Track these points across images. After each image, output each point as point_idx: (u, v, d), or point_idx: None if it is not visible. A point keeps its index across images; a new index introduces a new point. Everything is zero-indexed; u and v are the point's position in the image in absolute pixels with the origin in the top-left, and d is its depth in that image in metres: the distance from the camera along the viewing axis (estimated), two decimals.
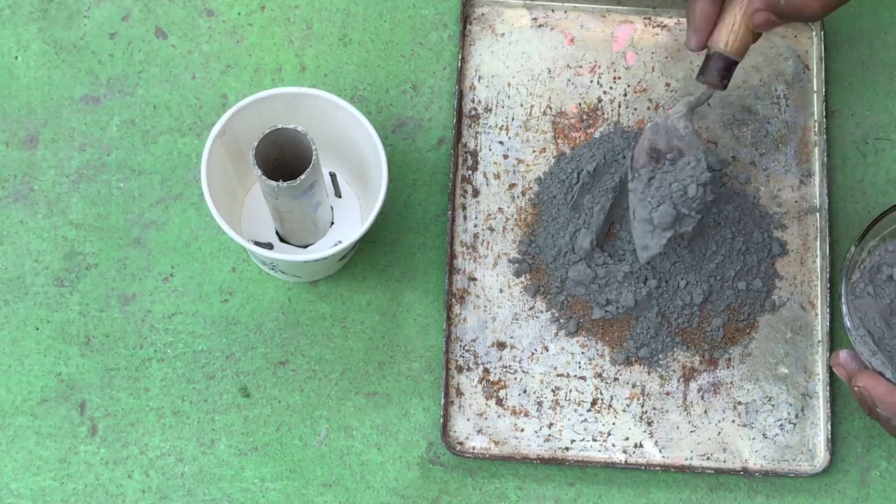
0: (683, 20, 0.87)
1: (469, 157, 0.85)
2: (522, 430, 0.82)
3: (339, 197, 0.83)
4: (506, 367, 0.83)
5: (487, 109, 0.86)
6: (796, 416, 0.83)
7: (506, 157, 0.86)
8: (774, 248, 0.84)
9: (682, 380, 0.83)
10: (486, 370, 0.83)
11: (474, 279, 0.84)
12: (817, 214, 0.85)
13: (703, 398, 0.83)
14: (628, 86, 0.87)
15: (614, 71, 0.87)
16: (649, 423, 0.83)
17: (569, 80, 0.87)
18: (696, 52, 0.77)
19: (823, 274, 0.84)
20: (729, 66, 0.77)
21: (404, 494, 0.82)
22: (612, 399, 0.83)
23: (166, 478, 0.82)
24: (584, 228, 0.82)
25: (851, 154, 0.87)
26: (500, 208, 0.85)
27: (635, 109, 0.87)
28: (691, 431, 0.83)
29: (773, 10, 0.74)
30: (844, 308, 0.77)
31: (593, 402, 0.83)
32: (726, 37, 0.76)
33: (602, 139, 0.85)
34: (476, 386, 0.83)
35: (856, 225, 0.86)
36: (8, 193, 0.85)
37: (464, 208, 0.85)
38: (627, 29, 0.88)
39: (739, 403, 0.83)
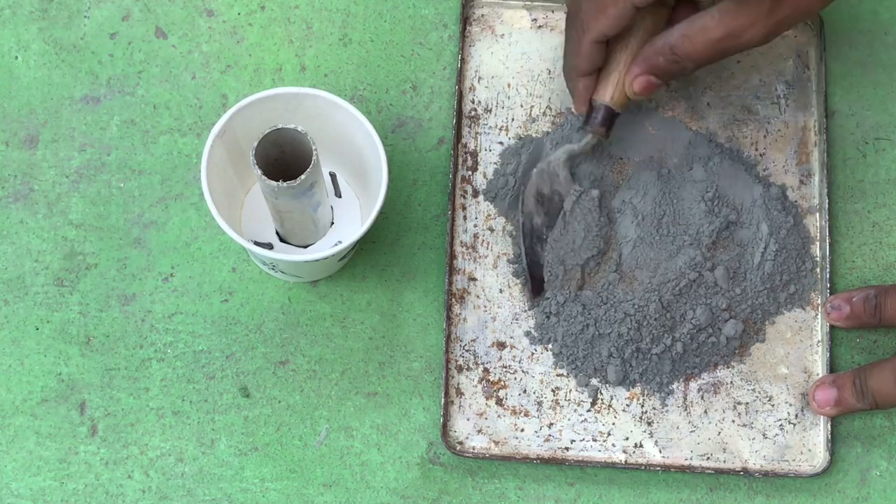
0: None
1: (469, 157, 0.85)
2: (522, 430, 0.82)
3: (339, 197, 0.83)
4: (506, 367, 0.83)
5: (487, 110, 0.86)
6: (796, 416, 0.83)
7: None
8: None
9: (682, 380, 0.83)
10: (486, 370, 0.83)
11: (474, 279, 0.84)
12: (817, 214, 0.85)
13: (703, 398, 0.83)
14: None
15: None
16: (649, 423, 0.83)
17: None
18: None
19: (823, 274, 0.84)
20: (613, 116, 0.80)
21: (404, 494, 0.82)
22: (612, 399, 0.83)
23: (166, 478, 0.82)
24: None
25: (851, 154, 0.87)
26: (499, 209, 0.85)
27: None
28: (691, 431, 0.83)
29: (654, 72, 0.77)
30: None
31: (593, 402, 0.83)
32: (611, 92, 0.79)
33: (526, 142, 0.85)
34: (476, 386, 0.83)
35: (856, 225, 0.86)
36: (8, 193, 0.85)
37: (464, 208, 0.85)
38: None
39: (739, 403, 0.83)
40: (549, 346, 0.83)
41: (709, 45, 0.75)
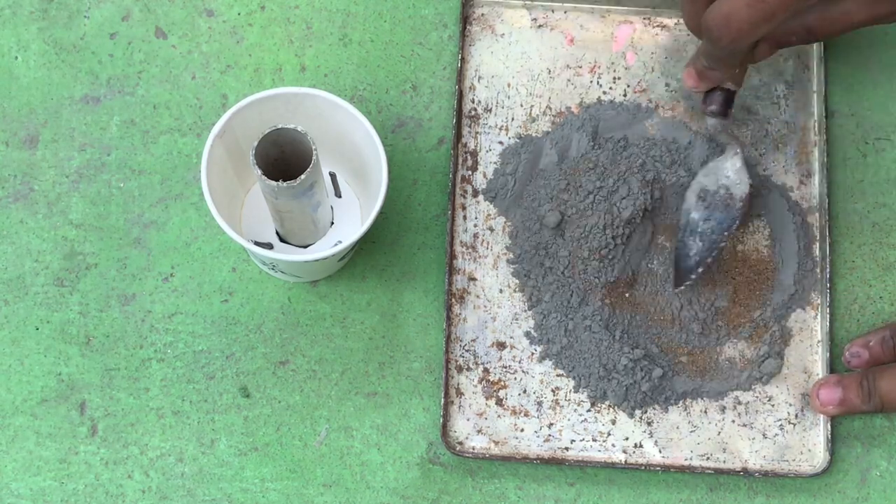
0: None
1: (469, 157, 0.85)
2: (522, 430, 0.82)
3: (339, 197, 0.83)
4: (506, 367, 0.83)
5: (487, 109, 0.86)
6: (796, 416, 0.83)
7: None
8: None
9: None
10: (486, 370, 0.83)
11: (474, 279, 0.84)
12: (817, 214, 0.85)
13: (702, 398, 0.83)
14: (628, 86, 0.87)
15: (614, 71, 0.87)
16: (649, 423, 0.83)
17: (569, 80, 0.87)
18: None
19: (823, 274, 0.84)
20: (732, 97, 0.80)
21: (404, 494, 0.82)
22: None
23: (166, 478, 0.82)
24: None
25: (851, 154, 0.87)
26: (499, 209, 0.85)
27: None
28: (691, 431, 0.83)
29: (781, 45, 0.77)
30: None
31: (593, 403, 0.83)
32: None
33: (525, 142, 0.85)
34: (476, 386, 0.83)
35: (856, 225, 0.86)
36: (8, 193, 0.85)
37: (464, 208, 0.85)
38: (627, 29, 0.88)
39: (739, 403, 0.83)
40: (546, 347, 0.83)
41: (847, 28, 0.75)
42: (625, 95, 0.87)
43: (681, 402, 0.83)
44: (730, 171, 0.81)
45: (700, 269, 0.82)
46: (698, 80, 0.79)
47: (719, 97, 0.80)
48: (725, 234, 0.81)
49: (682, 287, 0.82)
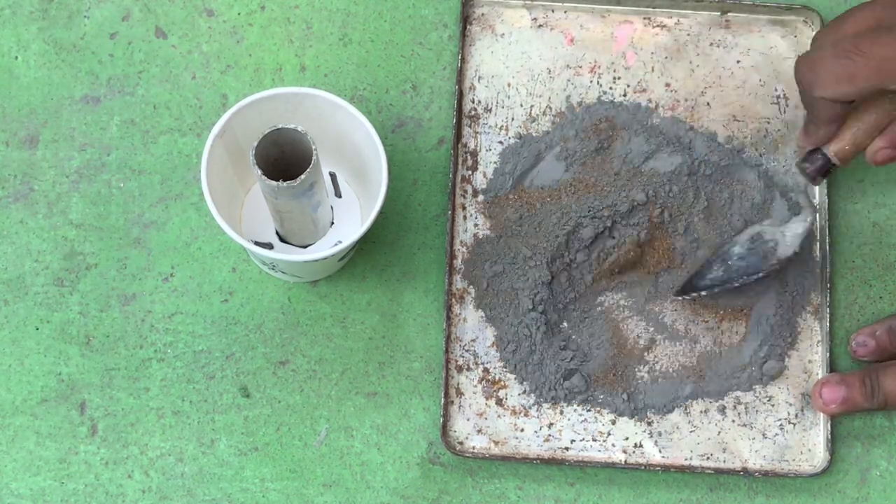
0: (684, 20, 0.87)
1: (469, 157, 0.85)
2: (522, 430, 0.82)
3: (339, 197, 0.83)
4: (506, 367, 0.83)
5: (487, 109, 0.86)
6: (796, 416, 0.83)
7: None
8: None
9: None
10: (486, 370, 0.83)
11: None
12: (817, 215, 0.85)
13: (702, 398, 0.83)
14: (628, 86, 0.87)
15: (614, 71, 0.87)
16: (649, 423, 0.83)
17: (569, 80, 0.87)
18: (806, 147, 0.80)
19: (823, 274, 0.84)
20: (830, 168, 0.80)
21: (404, 494, 0.82)
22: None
23: (166, 478, 0.82)
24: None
25: None
26: None
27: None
28: (691, 431, 0.83)
29: None
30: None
31: (593, 402, 0.83)
32: (840, 147, 0.78)
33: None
34: (476, 386, 0.83)
35: (856, 225, 0.86)
36: (8, 193, 0.85)
37: (464, 208, 0.85)
38: (627, 29, 0.88)
39: (739, 403, 0.83)
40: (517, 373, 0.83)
41: None
42: (625, 95, 0.87)
43: (681, 402, 0.83)
44: (789, 232, 0.81)
45: (704, 293, 0.82)
46: (804, 135, 0.79)
47: (818, 161, 0.79)
48: (745, 278, 0.81)
49: (680, 298, 0.83)
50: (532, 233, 0.83)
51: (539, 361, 0.82)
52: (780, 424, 0.83)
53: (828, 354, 0.83)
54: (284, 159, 0.75)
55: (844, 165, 0.79)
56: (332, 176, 0.83)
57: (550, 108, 0.86)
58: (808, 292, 0.84)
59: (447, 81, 0.87)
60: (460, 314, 0.83)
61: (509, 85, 0.87)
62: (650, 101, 0.86)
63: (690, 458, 0.82)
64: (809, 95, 0.75)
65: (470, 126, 0.86)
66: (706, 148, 0.85)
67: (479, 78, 0.87)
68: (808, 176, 0.80)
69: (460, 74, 0.86)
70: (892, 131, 0.77)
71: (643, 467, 0.82)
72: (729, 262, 0.82)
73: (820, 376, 0.83)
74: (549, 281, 0.81)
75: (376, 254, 0.85)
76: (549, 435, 0.82)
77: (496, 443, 0.82)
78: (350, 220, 0.83)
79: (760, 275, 0.81)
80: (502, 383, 0.83)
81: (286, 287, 0.84)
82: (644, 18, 0.88)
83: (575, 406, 0.82)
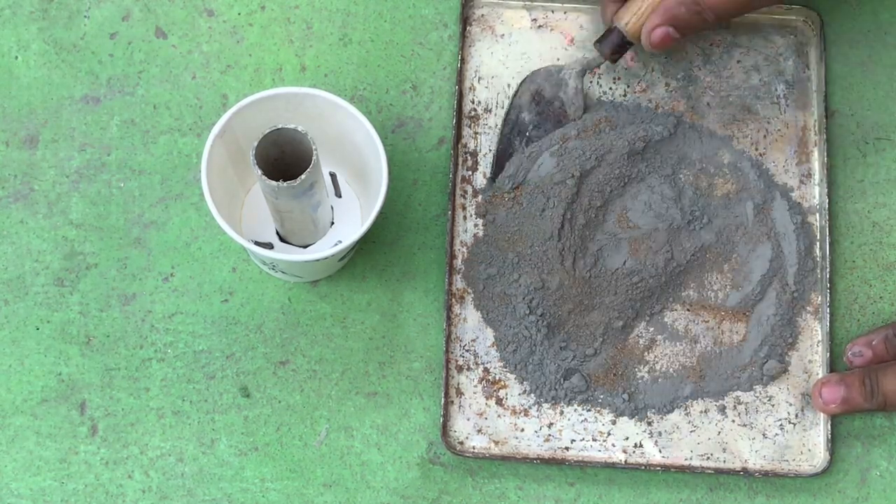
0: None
1: (469, 157, 0.85)
2: (522, 430, 0.82)
3: (339, 197, 0.83)
4: (506, 367, 0.83)
5: (487, 110, 0.86)
6: (796, 415, 0.83)
7: None
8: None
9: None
10: (486, 370, 0.83)
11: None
12: (817, 214, 0.85)
13: (702, 398, 0.83)
14: (628, 86, 0.87)
15: (614, 71, 0.87)
16: (649, 423, 0.83)
17: None
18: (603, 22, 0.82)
19: (823, 274, 0.84)
20: (624, 45, 0.81)
21: (404, 494, 0.82)
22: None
23: (166, 478, 0.82)
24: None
25: (851, 154, 0.87)
26: None
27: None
28: (691, 431, 0.83)
29: (674, 23, 0.76)
30: None
31: (593, 402, 0.83)
32: (630, 20, 0.80)
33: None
34: (476, 386, 0.83)
35: (856, 225, 0.86)
36: (8, 193, 0.85)
37: (464, 208, 0.85)
38: None
39: (739, 403, 0.83)
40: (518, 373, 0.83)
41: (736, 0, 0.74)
42: (625, 95, 0.87)
43: (681, 402, 0.83)
44: (571, 90, 0.83)
45: (518, 178, 0.83)
46: (601, 15, 0.81)
47: (612, 36, 0.81)
48: (548, 148, 0.83)
49: (495, 184, 0.84)
50: (520, 235, 0.83)
51: (539, 362, 0.82)
52: (781, 424, 0.83)
53: (828, 354, 0.83)
54: (284, 159, 0.75)
55: (636, 42, 0.80)
56: (332, 176, 0.83)
57: None
58: (808, 292, 0.84)
59: (447, 81, 0.87)
60: (460, 314, 0.83)
61: (509, 85, 0.87)
62: (650, 101, 0.86)
63: (690, 458, 0.82)
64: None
65: (470, 126, 0.86)
66: (706, 148, 0.85)
67: (479, 78, 0.87)
68: (604, 53, 0.82)
69: (460, 74, 0.86)
70: (663, 5, 0.77)
71: (643, 467, 0.82)
72: (527, 134, 0.83)
73: (820, 376, 0.83)
74: (541, 286, 0.81)
75: (376, 254, 0.85)
76: (550, 435, 0.82)
77: (496, 443, 0.82)
78: (350, 220, 0.83)
79: (560, 143, 0.83)
80: (502, 383, 0.83)
81: (286, 287, 0.84)
82: None
83: (575, 406, 0.82)
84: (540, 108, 0.83)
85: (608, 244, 0.83)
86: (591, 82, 0.87)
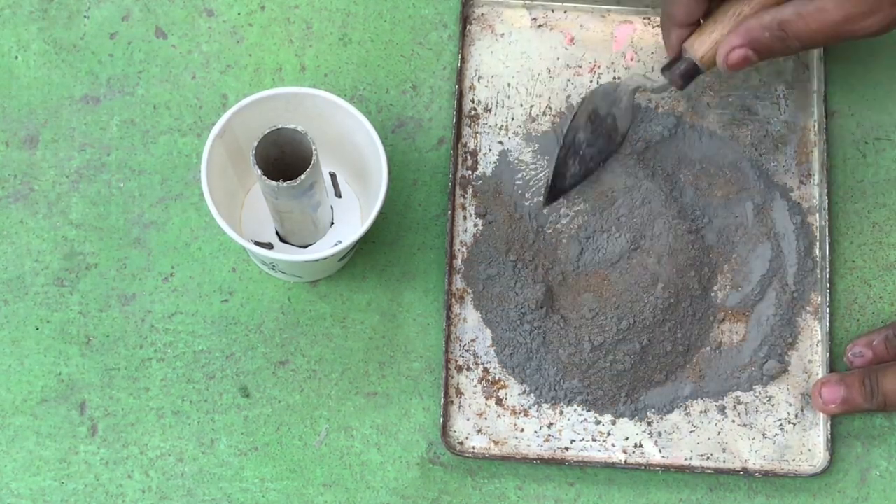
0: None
1: (469, 157, 0.85)
2: (522, 430, 0.82)
3: (339, 197, 0.83)
4: (505, 368, 0.83)
5: (487, 109, 0.86)
6: (796, 416, 0.83)
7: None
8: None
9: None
10: (486, 370, 0.83)
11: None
12: (817, 214, 0.85)
13: (702, 398, 0.83)
14: None
15: (614, 71, 0.87)
16: (649, 423, 0.83)
17: (569, 80, 0.87)
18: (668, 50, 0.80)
19: (823, 274, 0.84)
20: (695, 73, 0.79)
21: (404, 494, 0.82)
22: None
23: (166, 478, 0.82)
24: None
25: (851, 154, 0.87)
26: None
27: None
28: (691, 431, 0.83)
29: (754, 47, 0.75)
30: None
31: (593, 402, 0.83)
32: (705, 50, 0.77)
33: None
34: (476, 386, 0.83)
35: (856, 225, 0.86)
36: (8, 193, 0.85)
37: (464, 208, 0.85)
38: (627, 29, 0.88)
39: (739, 403, 0.83)
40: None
41: (823, 28, 0.72)
42: None
43: (681, 402, 0.83)
44: (623, 105, 0.82)
45: (572, 192, 0.83)
46: (666, 41, 0.79)
47: (683, 65, 0.79)
48: (601, 164, 0.82)
49: (551, 204, 0.84)
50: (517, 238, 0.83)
51: (538, 366, 0.82)
52: (780, 424, 0.83)
53: (827, 354, 0.83)
54: (284, 159, 0.75)
55: (708, 71, 0.79)
56: (332, 176, 0.83)
57: (550, 108, 0.86)
58: (808, 292, 0.84)
59: (447, 81, 0.87)
60: (460, 314, 0.83)
61: (509, 85, 0.87)
62: (650, 101, 0.86)
63: (690, 458, 0.82)
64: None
65: (470, 126, 0.86)
66: (706, 148, 0.85)
67: (479, 78, 0.87)
68: (674, 83, 0.80)
69: (460, 74, 0.86)
70: (745, 27, 0.75)
71: (643, 467, 0.82)
72: (581, 153, 0.83)
73: (820, 376, 0.83)
74: (540, 298, 0.81)
75: (376, 254, 0.85)
76: (549, 435, 0.82)
77: (496, 443, 0.82)
78: (350, 220, 0.83)
79: (613, 155, 0.83)
80: (502, 383, 0.83)
81: (286, 287, 0.84)
82: (644, 18, 0.88)
83: (575, 406, 0.82)
84: (594, 125, 0.83)
85: (606, 246, 0.83)
86: (590, 82, 0.87)
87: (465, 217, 0.85)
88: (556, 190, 0.83)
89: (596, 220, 0.83)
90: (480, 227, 0.84)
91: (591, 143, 0.83)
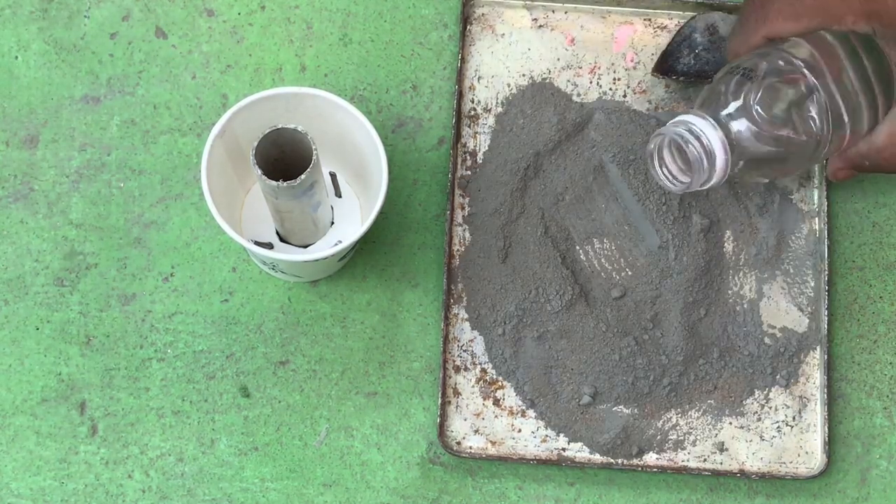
0: (683, 21, 0.87)
1: (469, 157, 0.85)
2: (519, 431, 0.82)
3: (339, 197, 0.83)
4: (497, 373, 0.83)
5: (487, 109, 0.86)
6: (794, 418, 0.83)
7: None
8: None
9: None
10: (484, 370, 0.83)
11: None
12: (816, 218, 0.85)
13: (701, 399, 0.83)
14: (628, 87, 0.87)
15: (614, 72, 0.87)
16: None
17: (569, 80, 0.87)
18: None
19: (823, 274, 0.84)
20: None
21: (404, 494, 0.82)
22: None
23: (166, 478, 0.82)
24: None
25: None
26: None
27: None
28: (689, 433, 0.83)
29: (858, 169, 0.78)
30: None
31: (590, 404, 0.83)
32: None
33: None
34: (473, 386, 0.83)
35: (856, 225, 0.86)
36: (8, 193, 0.85)
37: (463, 208, 0.85)
38: (627, 30, 0.88)
39: (738, 405, 0.83)
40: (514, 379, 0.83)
41: (888, 157, 0.75)
42: (625, 96, 0.86)
43: (680, 403, 0.83)
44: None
45: (681, 79, 0.84)
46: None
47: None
48: (712, 76, 0.79)
49: (658, 77, 0.84)
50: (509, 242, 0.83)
51: (528, 368, 0.82)
52: (778, 427, 0.83)
53: (826, 356, 0.83)
54: (284, 159, 0.75)
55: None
56: (332, 176, 0.83)
57: None
58: (808, 292, 0.84)
59: (447, 81, 0.87)
60: (458, 314, 0.83)
61: (509, 85, 0.87)
62: (650, 101, 0.86)
63: (688, 460, 0.82)
64: (754, 33, 0.76)
65: (470, 126, 0.86)
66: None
67: (479, 78, 0.87)
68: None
69: (460, 74, 0.86)
70: (849, 156, 0.77)
71: (641, 469, 0.82)
72: (697, 52, 0.83)
73: (819, 378, 0.83)
74: (527, 297, 0.82)
75: (376, 254, 0.85)
76: (546, 436, 0.82)
77: (493, 443, 0.82)
78: (350, 220, 0.83)
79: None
80: (499, 384, 0.83)
81: (286, 287, 0.84)
82: (644, 19, 0.88)
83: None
84: (713, 38, 0.83)
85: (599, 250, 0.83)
86: (590, 82, 0.87)
87: (463, 217, 0.85)
88: (665, 65, 0.84)
89: (584, 224, 0.83)
90: (468, 233, 0.84)
91: (707, 48, 0.83)
